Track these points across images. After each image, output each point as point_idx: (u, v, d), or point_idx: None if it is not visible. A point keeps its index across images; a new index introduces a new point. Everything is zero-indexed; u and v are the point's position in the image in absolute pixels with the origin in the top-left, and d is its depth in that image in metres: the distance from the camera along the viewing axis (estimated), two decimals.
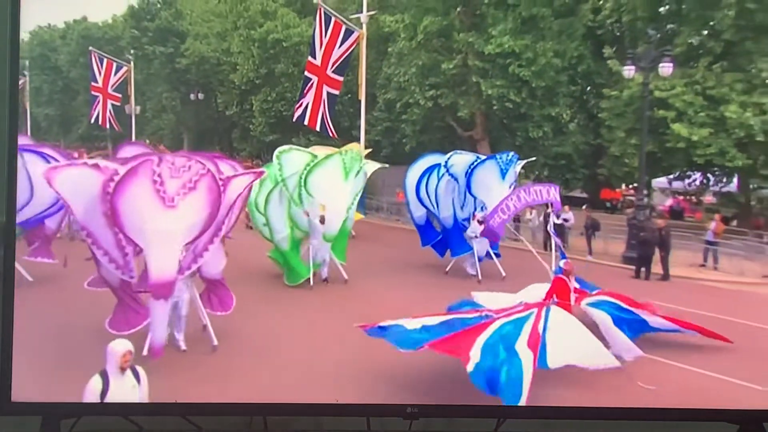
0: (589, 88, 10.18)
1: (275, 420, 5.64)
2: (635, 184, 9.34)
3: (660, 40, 8.94)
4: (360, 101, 9.46)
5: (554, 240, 7.44)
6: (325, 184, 8.54)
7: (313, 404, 5.28)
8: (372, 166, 9.16)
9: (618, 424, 5.57)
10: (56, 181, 5.89)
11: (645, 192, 9.07)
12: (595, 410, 5.37)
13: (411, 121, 10.84)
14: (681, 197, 10.06)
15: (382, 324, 6.20)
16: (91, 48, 10.73)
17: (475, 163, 8.57)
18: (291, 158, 8.39)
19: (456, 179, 8.70)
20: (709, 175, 9.44)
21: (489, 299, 7.15)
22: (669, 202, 10.10)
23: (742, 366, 6.21)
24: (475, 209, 8.69)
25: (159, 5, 11.93)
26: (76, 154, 9.82)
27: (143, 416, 5.38)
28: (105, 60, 10.63)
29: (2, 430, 5.59)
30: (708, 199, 9.70)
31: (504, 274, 8.32)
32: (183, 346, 6.81)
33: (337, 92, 9.54)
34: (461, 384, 5.68)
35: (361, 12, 9.42)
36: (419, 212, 9.25)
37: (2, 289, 5.15)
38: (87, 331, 6.58)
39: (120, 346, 4.82)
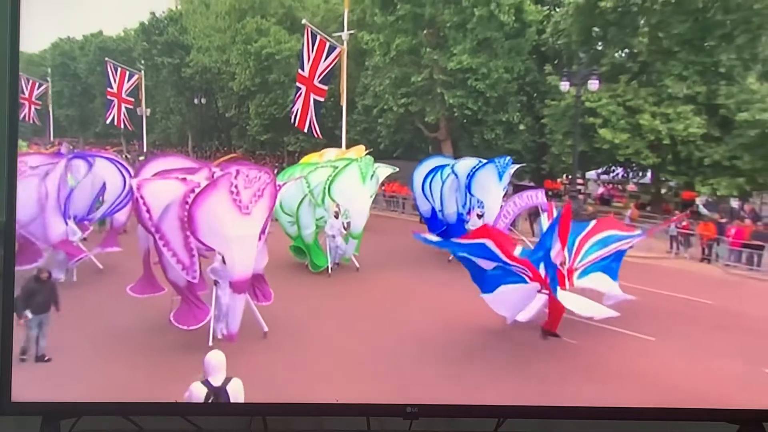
0: (535, 95, 11.08)
1: (275, 420, 5.36)
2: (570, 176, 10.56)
3: (589, 61, 10.18)
4: (342, 106, 10.21)
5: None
6: (347, 189, 9.00)
7: (313, 404, 5.02)
8: (384, 171, 9.65)
9: (618, 424, 5.29)
10: (145, 189, 6.34)
11: (580, 183, 10.33)
12: (595, 410, 5.14)
13: (386, 124, 11.59)
14: (610, 186, 11.40)
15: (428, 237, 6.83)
16: (107, 58, 11.46)
17: (477, 167, 9.03)
18: (316, 175, 8.90)
19: (459, 179, 9.17)
20: (628, 170, 10.80)
21: None
22: (600, 190, 11.43)
23: (643, 322, 7.09)
24: (472, 206, 9.09)
25: (166, 22, 12.48)
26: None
27: (143, 416, 5.13)
28: (119, 68, 11.37)
29: (2, 430, 5.34)
30: (631, 187, 11.06)
31: None
32: (219, 335, 6.89)
33: (322, 99, 10.26)
34: (461, 384, 5.76)
35: (343, 31, 10.14)
36: (426, 206, 9.65)
37: (2, 289, 4.89)
38: (88, 331, 6.62)
39: (218, 356, 4.73)
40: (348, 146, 10.19)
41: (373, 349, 6.63)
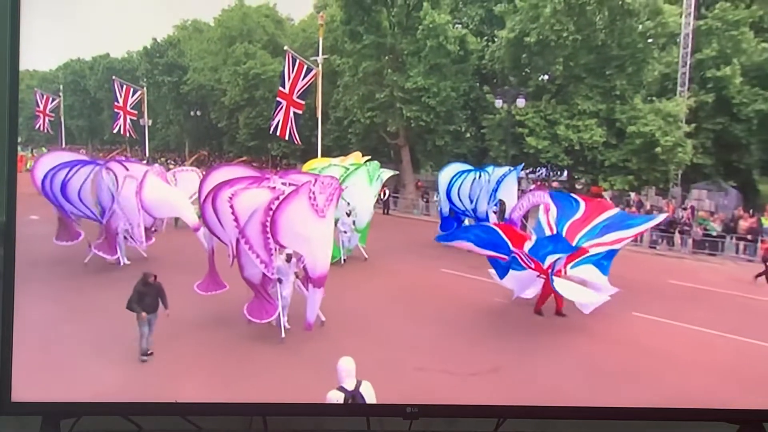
0: (477, 109, 12.33)
1: (275, 420, 5.20)
2: None
3: (518, 83, 11.78)
4: (317, 118, 11.05)
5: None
6: (355, 189, 9.58)
7: (313, 404, 4.79)
8: (387, 173, 10.37)
9: (618, 424, 5.22)
10: (236, 200, 6.61)
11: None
12: (595, 410, 5.02)
13: (355, 133, 12.65)
14: (538, 183, 12.58)
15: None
16: (114, 77, 12.31)
17: (506, 173, 9.77)
18: (329, 173, 8.95)
19: (490, 183, 9.84)
20: (549, 170, 12.43)
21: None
22: (532, 187, 12.28)
23: None
24: (496, 204, 9.87)
25: (166, 46, 13.26)
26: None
27: (143, 416, 4.99)
28: (124, 85, 12.22)
29: (2, 430, 5.20)
30: (555, 183, 12.40)
31: None
32: (288, 326, 7.10)
33: (300, 112, 11.09)
34: (461, 384, 5.69)
35: (318, 55, 11.05)
36: (447, 207, 10.38)
37: (2, 289, 4.75)
38: (87, 331, 6.56)
39: (349, 362, 4.66)
40: (323, 151, 11.16)
41: (376, 346, 6.64)
